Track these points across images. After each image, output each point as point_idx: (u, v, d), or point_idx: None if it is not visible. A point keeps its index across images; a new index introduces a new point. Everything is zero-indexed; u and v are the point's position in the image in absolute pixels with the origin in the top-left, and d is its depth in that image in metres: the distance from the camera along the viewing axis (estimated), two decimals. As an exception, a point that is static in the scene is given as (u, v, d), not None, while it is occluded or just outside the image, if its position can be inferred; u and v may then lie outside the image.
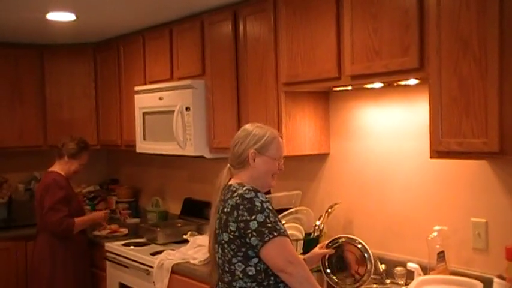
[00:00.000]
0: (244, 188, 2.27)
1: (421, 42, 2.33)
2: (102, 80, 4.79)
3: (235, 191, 2.28)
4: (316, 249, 2.67)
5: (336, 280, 2.67)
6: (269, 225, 2.20)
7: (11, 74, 4.73)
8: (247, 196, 2.23)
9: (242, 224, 2.21)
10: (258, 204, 2.22)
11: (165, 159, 4.40)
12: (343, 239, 2.68)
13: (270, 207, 2.25)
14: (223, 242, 2.30)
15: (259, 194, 2.26)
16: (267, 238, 2.18)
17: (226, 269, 2.31)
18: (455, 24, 2.19)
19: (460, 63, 2.18)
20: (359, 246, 2.64)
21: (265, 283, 2.26)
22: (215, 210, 2.37)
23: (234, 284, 2.29)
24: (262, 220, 2.20)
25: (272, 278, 2.26)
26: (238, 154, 2.38)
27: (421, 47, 2.33)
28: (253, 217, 2.20)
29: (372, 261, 2.61)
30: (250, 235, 2.20)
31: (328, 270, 2.68)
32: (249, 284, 2.26)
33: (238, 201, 2.24)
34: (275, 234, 2.19)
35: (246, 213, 2.21)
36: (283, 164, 2.42)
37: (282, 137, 2.45)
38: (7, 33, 4.38)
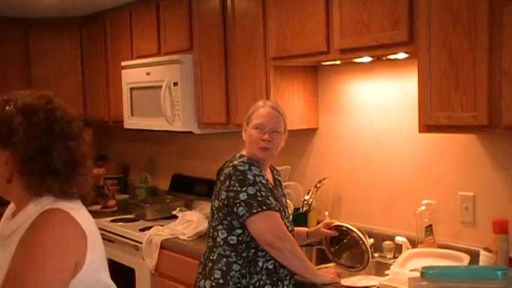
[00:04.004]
0: (240, 160, 2.31)
1: (411, 15, 2.31)
2: (89, 55, 4.73)
3: (231, 161, 2.33)
4: (321, 228, 2.64)
5: (336, 259, 2.64)
6: (259, 198, 2.21)
7: (-5, 49, 4.66)
8: (240, 168, 2.27)
9: (232, 194, 2.24)
10: (250, 177, 2.24)
11: (153, 134, 4.37)
12: (344, 228, 2.59)
13: (263, 182, 2.27)
14: (213, 208, 2.36)
15: (253, 168, 2.28)
16: (255, 210, 2.20)
17: (211, 235, 2.38)
18: (445, -3, 2.17)
19: (450, 36, 2.16)
20: (360, 241, 2.54)
21: (244, 254, 2.30)
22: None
23: (215, 250, 2.34)
24: (253, 193, 2.22)
25: (252, 251, 2.29)
26: None
27: (411, 20, 2.31)
28: (244, 189, 2.22)
29: (370, 254, 2.53)
30: (238, 205, 2.22)
31: (332, 249, 2.65)
32: (227, 253, 2.30)
33: (231, 172, 2.28)
34: (264, 208, 2.21)
35: (237, 184, 2.24)
36: (268, 135, 2.37)
37: (275, 108, 2.45)
38: (-10, 8, 4.31)
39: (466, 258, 2.41)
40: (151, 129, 3.90)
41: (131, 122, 4.08)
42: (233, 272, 2.28)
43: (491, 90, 2.07)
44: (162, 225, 3.58)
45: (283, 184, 3.15)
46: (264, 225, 2.22)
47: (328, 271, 2.39)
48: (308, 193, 3.10)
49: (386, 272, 2.46)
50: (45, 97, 1.50)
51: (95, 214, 4.16)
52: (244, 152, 2.42)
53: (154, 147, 4.72)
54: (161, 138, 4.52)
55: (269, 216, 2.23)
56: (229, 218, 2.29)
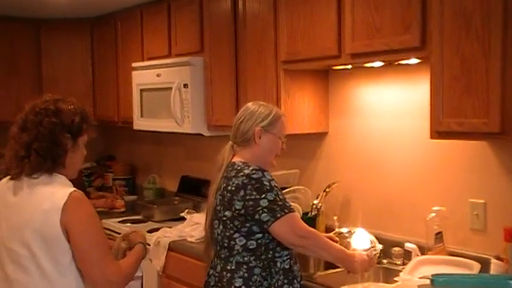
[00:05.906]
0: (251, 168, 2.27)
1: (423, 20, 2.29)
2: (99, 56, 4.75)
3: (240, 170, 2.29)
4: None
5: None
6: (280, 203, 2.24)
7: (7, 49, 4.67)
8: (255, 176, 2.25)
9: (251, 203, 2.23)
10: (266, 183, 2.24)
11: (162, 136, 4.37)
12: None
13: (277, 185, 2.29)
14: (224, 218, 2.31)
15: (265, 173, 2.28)
16: (279, 215, 2.22)
17: (225, 245, 2.33)
18: (458, 2, 2.15)
19: (463, 41, 2.14)
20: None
21: (263, 257, 2.30)
22: (216, 187, 2.38)
23: (231, 259, 2.31)
24: (272, 198, 2.23)
25: (271, 253, 2.31)
26: (244, 131, 2.38)
27: (423, 24, 2.29)
28: (263, 196, 2.23)
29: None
30: (261, 211, 2.22)
31: None
32: (246, 259, 2.29)
33: (245, 181, 2.25)
34: (286, 211, 2.24)
35: (254, 193, 2.23)
36: (285, 144, 2.44)
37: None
38: (3, 7, 4.32)
39: (477, 266, 2.39)
40: (160, 130, 3.90)
41: (140, 123, 4.08)
42: (255, 277, 2.28)
43: (504, 97, 2.05)
44: (170, 227, 3.58)
45: (292, 188, 3.16)
46: (286, 229, 2.24)
47: (360, 255, 2.37)
48: (317, 197, 3.09)
49: (395, 278, 2.44)
50: None
51: (102, 215, 4.24)
52: (242, 159, 2.34)
53: (163, 148, 4.72)
54: (170, 140, 4.52)
55: (291, 219, 2.25)
56: (248, 225, 2.27)
